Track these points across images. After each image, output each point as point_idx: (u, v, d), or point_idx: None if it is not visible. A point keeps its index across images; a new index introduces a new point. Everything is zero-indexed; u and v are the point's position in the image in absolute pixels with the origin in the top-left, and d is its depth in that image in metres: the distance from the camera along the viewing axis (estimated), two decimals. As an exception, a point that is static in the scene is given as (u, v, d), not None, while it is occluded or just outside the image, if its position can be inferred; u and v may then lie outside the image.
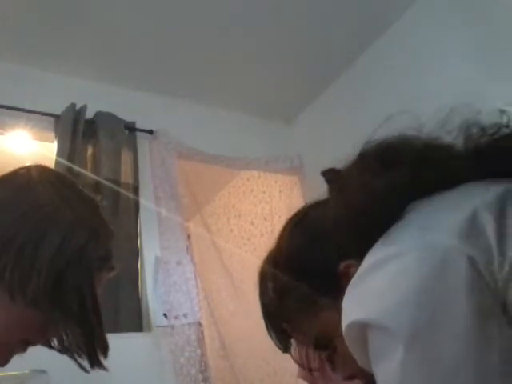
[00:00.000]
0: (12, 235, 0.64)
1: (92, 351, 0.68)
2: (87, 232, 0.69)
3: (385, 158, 0.64)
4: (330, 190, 0.74)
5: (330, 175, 0.75)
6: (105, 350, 0.69)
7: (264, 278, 0.81)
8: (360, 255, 0.56)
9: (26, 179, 0.70)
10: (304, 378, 1.33)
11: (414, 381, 0.46)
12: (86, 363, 0.69)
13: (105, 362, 0.70)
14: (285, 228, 0.79)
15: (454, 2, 2.08)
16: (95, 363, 0.69)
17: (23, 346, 0.70)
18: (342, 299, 0.57)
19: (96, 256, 0.69)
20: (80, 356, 0.68)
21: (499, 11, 1.86)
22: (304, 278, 0.71)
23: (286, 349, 1.26)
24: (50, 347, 0.72)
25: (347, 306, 0.53)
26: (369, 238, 0.56)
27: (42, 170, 0.74)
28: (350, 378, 0.77)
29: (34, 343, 0.70)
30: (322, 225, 0.70)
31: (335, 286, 0.64)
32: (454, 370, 0.44)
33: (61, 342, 0.68)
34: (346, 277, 0.61)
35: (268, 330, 1.26)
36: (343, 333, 0.53)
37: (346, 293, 0.54)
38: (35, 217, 0.66)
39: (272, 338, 1.27)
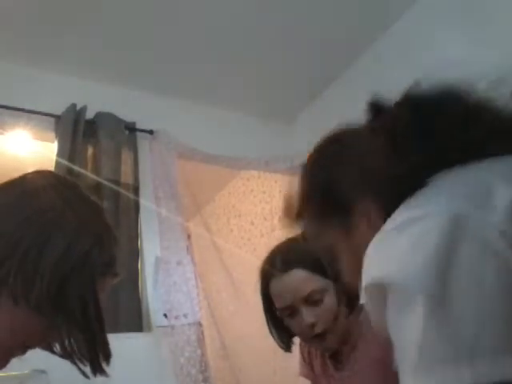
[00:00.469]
0: (16, 240, 0.64)
1: (94, 357, 0.68)
2: (92, 238, 0.69)
3: (430, 118, 0.64)
4: (372, 123, 0.75)
5: (376, 108, 0.75)
6: (107, 356, 0.69)
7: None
8: (381, 204, 0.59)
9: (30, 184, 0.70)
10: (306, 377, 1.33)
11: (436, 341, 0.45)
12: (87, 369, 0.69)
13: (107, 369, 0.69)
14: (322, 141, 0.82)
15: (455, 1, 2.08)
16: (97, 369, 0.69)
17: (23, 349, 0.70)
18: (350, 235, 0.61)
19: (100, 262, 0.69)
20: (82, 361, 0.68)
21: (499, 11, 1.86)
22: (322, 191, 0.72)
23: (288, 347, 1.26)
24: (52, 352, 0.72)
25: (369, 264, 0.54)
26: (396, 195, 0.57)
27: (45, 174, 0.74)
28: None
29: (34, 346, 0.71)
30: (356, 153, 0.72)
31: (346, 218, 0.67)
32: (478, 328, 0.44)
33: (63, 347, 0.68)
34: (365, 217, 0.63)
35: (269, 327, 1.26)
36: (363, 290, 0.53)
37: (369, 249, 0.54)
38: (39, 221, 0.66)
39: (274, 336, 1.26)
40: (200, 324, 2.13)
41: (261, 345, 2.51)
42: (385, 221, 0.56)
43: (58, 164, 2.03)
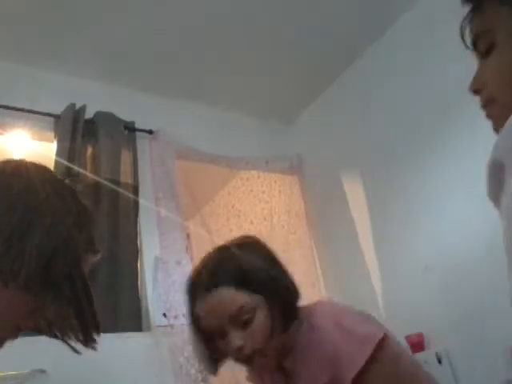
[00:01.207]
0: (1, 226, 0.67)
1: (85, 329, 0.72)
2: (71, 218, 0.73)
3: None
4: None
5: None
6: (97, 327, 0.74)
7: None
8: None
9: (8, 173, 0.73)
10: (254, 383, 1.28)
11: None
12: (77, 345, 0.74)
13: (97, 338, 0.74)
14: None
15: (455, 2, 2.08)
16: (88, 340, 0.73)
17: (15, 331, 0.73)
18: None
19: (81, 240, 0.74)
20: (71, 338, 0.72)
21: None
22: None
23: (215, 370, 1.15)
24: (41, 332, 0.75)
25: (497, 142, 0.53)
26: None
27: (19, 162, 0.77)
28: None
29: (26, 328, 0.73)
30: None
31: None
32: None
33: (51, 325, 0.72)
34: None
35: (195, 347, 1.13)
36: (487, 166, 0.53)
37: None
38: (21, 206, 0.69)
39: (200, 357, 1.14)
40: (199, 324, 2.13)
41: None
42: None
43: (57, 164, 2.03)
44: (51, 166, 2.01)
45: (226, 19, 2.20)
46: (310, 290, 2.54)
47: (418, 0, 2.22)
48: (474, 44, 0.68)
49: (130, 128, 2.34)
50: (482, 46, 0.67)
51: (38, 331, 0.75)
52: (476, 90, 0.69)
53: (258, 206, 2.87)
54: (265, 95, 2.71)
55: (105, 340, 2.10)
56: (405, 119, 2.27)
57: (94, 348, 0.74)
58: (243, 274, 1.06)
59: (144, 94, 2.49)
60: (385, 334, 1.01)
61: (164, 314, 2.04)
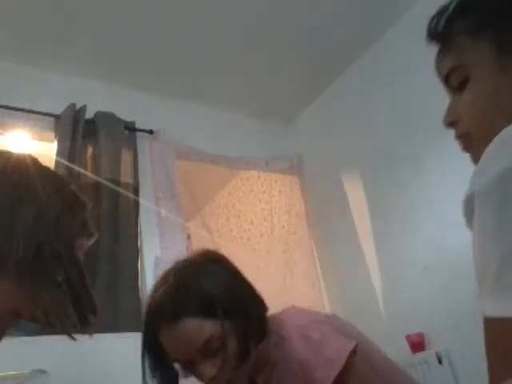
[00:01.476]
0: None
1: (81, 314, 0.71)
2: (61, 203, 0.72)
3: None
4: None
5: None
6: (93, 309, 0.73)
7: None
8: None
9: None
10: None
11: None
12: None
13: (92, 321, 0.73)
14: None
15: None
16: (84, 323, 0.72)
17: (14, 318, 0.72)
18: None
19: (74, 224, 0.73)
20: (67, 324, 0.70)
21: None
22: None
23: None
24: (36, 321, 0.73)
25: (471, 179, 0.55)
26: None
27: (10, 152, 0.77)
28: None
29: (23, 316, 0.72)
30: None
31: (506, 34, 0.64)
32: None
33: (47, 314, 0.70)
34: None
35: (153, 372, 1.06)
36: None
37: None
38: (9, 193, 0.69)
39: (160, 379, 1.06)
40: (200, 324, 2.13)
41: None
42: None
43: (57, 164, 2.03)
44: (51, 166, 2.01)
45: (226, 19, 2.20)
46: (310, 290, 2.54)
47: (418, 0, 2.22)
48: (446, 79, 0.70)
49: (131, 128, 2.34)
50: (456, 80, 0.69)
51: (34, 321, 0.73)
52: (451, 122, 0.71)
53: (258, 206, 2.87)
54: (265, 95, 2.71)
55: (105, 340, 2.10)
56: (405, 119, 2.27)
57: (89, 331, 0.74)
58: (207, 300, 0.99)
59: (144, 94, 2.49)
60: (355, 345, 0.96)
61: (164, 314, 2.04)
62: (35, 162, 0.77)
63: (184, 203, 2.38)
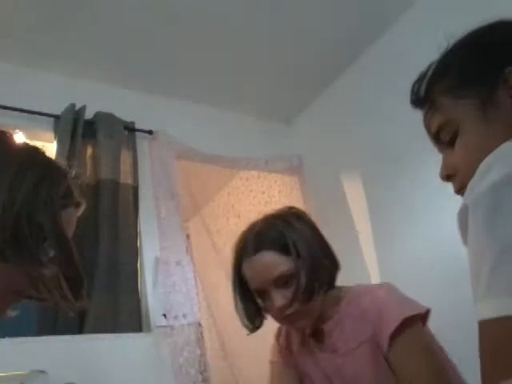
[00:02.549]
0: None
1: (72, 287, 0.68)
2: (38, 172, 0.68)
3: None
4: None
5: None
6: (81, 282, 0.70)
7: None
8: None
9: None
10: (277, 362, 1.32)
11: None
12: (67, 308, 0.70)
13: (84, 294, 0.71)
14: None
15: (455, 1, 2.08)
16: (78, 298, 0.69)
17: (12, 296, 0.70)
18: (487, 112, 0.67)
19: (55, 195, 0.69)
20: (59, 299, 0.68)
21: (499, 11, 1.86)
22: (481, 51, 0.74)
23: (254, 327, 1.23)
24: (31, 298, 0.71)
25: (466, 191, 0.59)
26: None
27: None
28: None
29: (20, 294, 0.70)
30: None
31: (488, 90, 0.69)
32: None
33: (39, 290, 0.67)
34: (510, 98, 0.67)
35: (237, 304, 1.23)
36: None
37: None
38: None
39: (241, 314, 1.23)
40: (199, 324, 2.13)
41: (260, 345, 2.51)
42: None
43: (57, 164, 2.03)
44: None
45: (225, 19, 2.20)
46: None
47: (419, 0, 2.22)
48: (437, 137, 0.76)
49: (130, 128, 2.34)
50: (445, 136, 0.74)
51: (30, 298, 0.71)
52: (448, 176, 0.77)
53: (258, 206, 2.87)
54: (265, 95, 2.72)
55: (105, 340, 2.10)
56: (405, 119, 2.27)
57: (83, 306, 0.71)
58: (284, 241, 1.15)
59: (144, 94, 2.49)
60: (428, 309, 1.12)
61: (164, 315, 2.04)
62: (3, 136, 0.74)
63: (184, 203, 2.38)
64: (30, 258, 0.64)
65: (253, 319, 1.22)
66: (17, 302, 0.71)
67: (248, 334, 1.24)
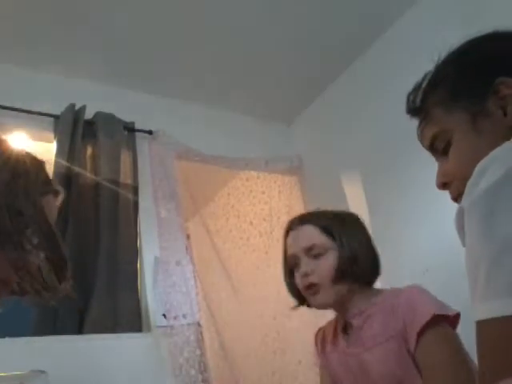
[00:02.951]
0: None
1: (56, 271, 0.69)
2: (13, 165, 0.69)
3: None
4: None
5: None
6: (65, 266, 0.71)
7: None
8: None
9: None
10: (319, 364, 1.38)
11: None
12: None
13: (69, 276, 0.71)
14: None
15: (454, 1, 2.08)
16: (62, 280, 0.70)
17: (3, 287, 0.70)
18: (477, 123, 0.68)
19: (33, 183, 0.70)
20: (43, 285, 0.68)
21: (499, 11, 1.87)
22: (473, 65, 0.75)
23: (298, 300, 1.32)
24: (13, 294, 0.71)
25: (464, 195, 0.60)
26: None
27: None
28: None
29: (8, 283, 0.69)
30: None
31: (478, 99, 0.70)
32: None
33: (23, 279, 0.67)
34: (500, 108, 0.68)
35: (285, 278, 1.32)
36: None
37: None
38: None
39: (288, 288, 1.32)
40: (199, 324, 2.13)
41: (260, 345, 2.51)
42: None
43: (57, 164, 2.03)
44: (51, 166, 2.01)
45: (225, 19, 2.21)
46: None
47: (418, 1, 2.22)
48: (431, 147, 0.79)
49: (130, 128, 2.34)
50: (439, 145, 0.77)
51: (11, 294, 0.71)
52: (445, 183, 0.80)
53: (258, 207, 2.87)
54: (265, 96, 2.72)
55: (105, 340, 2.11)
56: (405, 119, 2.27)
57: (67, 291, 0.71)
58: (332, 229, 1.25)
59: (144, 95, 2.49)
60: (458, 313, 1.13)
61: (164, 315, 2.04)
62: None
63: (184, 203, 2.38)
64: (14, 245, 0.65)
65: (296, 294, 1.30)
66: (1, 296, 0.71)
67: (293, 308, 1.32)
